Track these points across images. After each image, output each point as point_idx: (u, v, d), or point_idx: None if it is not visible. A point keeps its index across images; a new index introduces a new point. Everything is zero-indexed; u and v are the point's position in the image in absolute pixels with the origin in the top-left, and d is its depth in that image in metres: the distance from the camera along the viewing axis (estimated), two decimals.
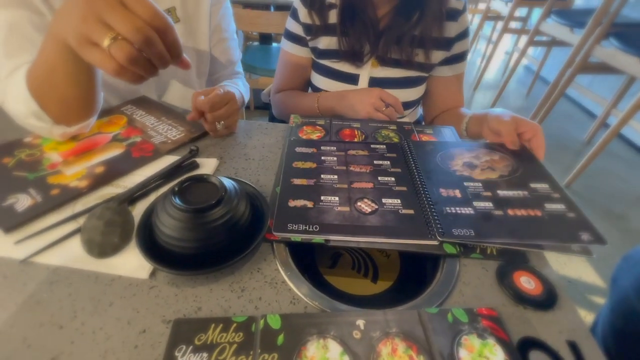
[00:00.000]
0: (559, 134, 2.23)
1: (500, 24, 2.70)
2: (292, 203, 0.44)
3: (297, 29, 0.74)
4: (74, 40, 0.34)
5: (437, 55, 0.71)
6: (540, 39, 2.37)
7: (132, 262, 0.37)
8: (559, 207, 0.42)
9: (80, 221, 0.41)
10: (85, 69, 0.45)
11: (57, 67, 0.43)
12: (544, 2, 2.15)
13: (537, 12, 2.39)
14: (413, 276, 0.45)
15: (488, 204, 0.43)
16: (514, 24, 2.79)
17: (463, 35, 0.70)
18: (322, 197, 0.45)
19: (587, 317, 1.17)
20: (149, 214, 0.40)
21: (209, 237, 0.36)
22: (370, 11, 0.67)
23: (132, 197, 0.44)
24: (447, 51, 0.71)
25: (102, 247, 0.38)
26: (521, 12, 2.90)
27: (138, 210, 0.43)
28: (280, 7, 1.91)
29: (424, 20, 0.65)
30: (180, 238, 0.35)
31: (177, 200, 0.35)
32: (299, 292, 0.35)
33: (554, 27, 2.04)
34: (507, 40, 3.41)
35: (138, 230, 0.38)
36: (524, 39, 2.46)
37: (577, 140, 2.19)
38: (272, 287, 0.36)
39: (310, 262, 0.46)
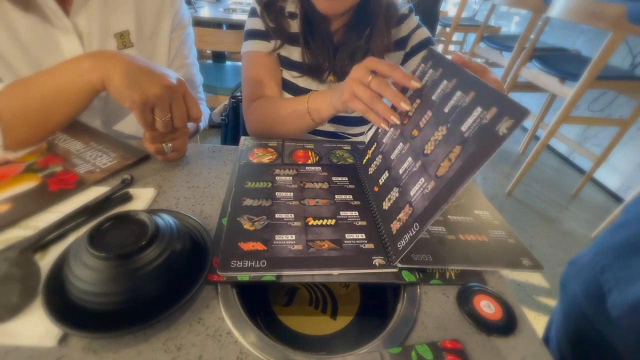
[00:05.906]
0: None
1: (440, 47, 2.93)
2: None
3: (260, 25, 0.66)
4: (138, 96, 0.41)
5: (393, 58, 0.69)
6: (476, 60, 2.61)
7: (36, 327, 0.30)
8: (500, 233, 0.43)
9: None
10: (87, 105, 0.47)
11: (70, 99, 0.45)
12: (477, 28, 2.38)
13: (471, 37, 2.63)
14: (374, 307, 0.42)
15: (441, 228, 0.42)
16: (452, 47, 3.06)
17: (416, 28, 0.69)
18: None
19: (537, 317, 1.24)
20: (60, 264, 0.33)
21: (137, 288, 0.30)
22: (325, 24, 0.65)
23: (41, 241, 0.37)
24: (403, 50, 0.69)
25: None
26: (458, 36, 3.19)
27: (51, 257, 0.35)
28: (233, 27, 1.88)
29: (375, 34, 0.64)
30: (99, 292, 0.29)
31: (92, 246, 0.29)
32: (246, 343, 0.30)
33: (487, 51, 2.26)
34: None
35: (46, 285, 0.31)
36: None
37: (513, 152, 2.41)
38: (216, 340, 0.31)
39: (263, 301, 0.41)
